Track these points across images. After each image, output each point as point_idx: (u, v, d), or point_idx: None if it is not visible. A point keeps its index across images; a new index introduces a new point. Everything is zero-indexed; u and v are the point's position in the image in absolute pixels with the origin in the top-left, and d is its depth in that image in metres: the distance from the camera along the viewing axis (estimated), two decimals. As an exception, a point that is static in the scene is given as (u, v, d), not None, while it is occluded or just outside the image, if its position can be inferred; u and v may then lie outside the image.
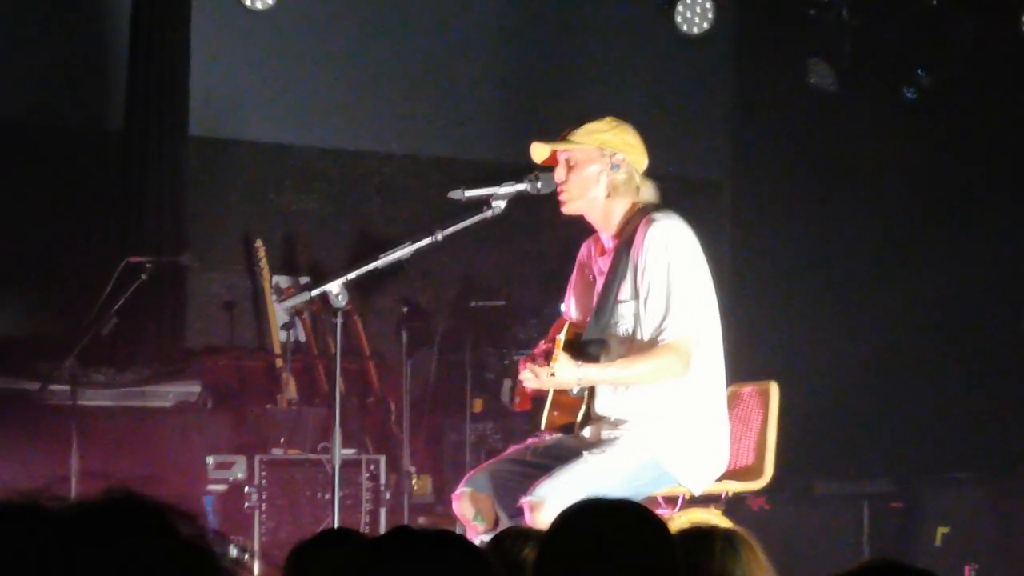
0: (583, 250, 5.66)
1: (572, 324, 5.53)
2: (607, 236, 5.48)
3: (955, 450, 8.60)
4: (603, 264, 5.46)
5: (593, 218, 5.49)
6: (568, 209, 5.47)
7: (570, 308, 5.66)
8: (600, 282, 5.44)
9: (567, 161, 5.44)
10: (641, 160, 5.48)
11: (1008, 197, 8.59)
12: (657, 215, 5.34)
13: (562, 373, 5.15)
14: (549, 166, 5.50)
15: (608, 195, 5.42)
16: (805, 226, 9.28)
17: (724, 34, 9.43)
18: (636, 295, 5.30)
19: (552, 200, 5.49)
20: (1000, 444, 8.36)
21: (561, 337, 5.27)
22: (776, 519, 7.74)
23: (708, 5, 9.21)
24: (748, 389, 5.85)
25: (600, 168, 5.42)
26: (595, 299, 5.43)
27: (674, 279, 5.25)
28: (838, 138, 9.25)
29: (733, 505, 5.78)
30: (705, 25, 9.05)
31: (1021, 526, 7.70)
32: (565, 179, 5.43)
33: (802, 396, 6.39)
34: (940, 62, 8.88)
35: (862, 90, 9.11)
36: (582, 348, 5.33)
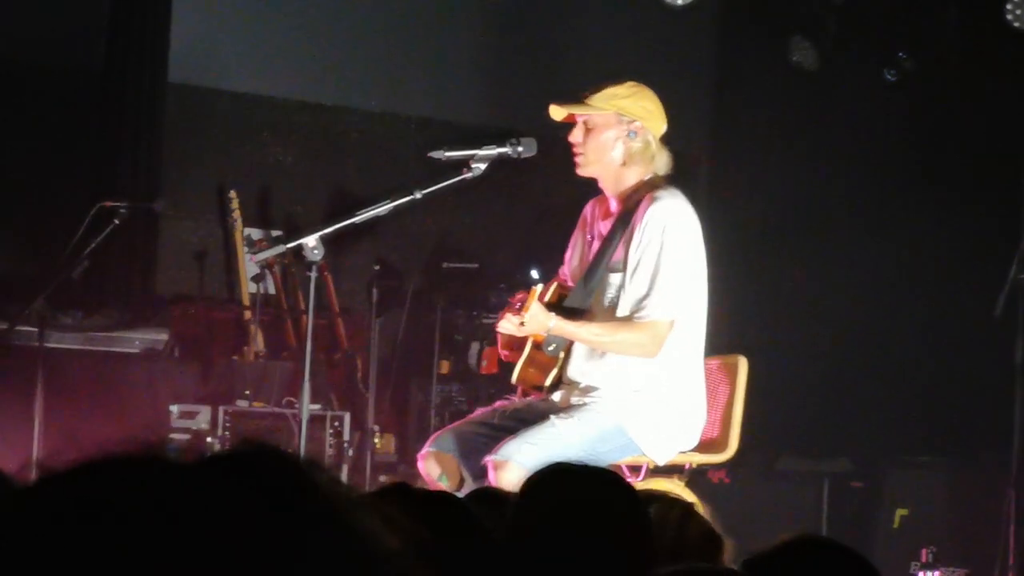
0: (587, 208, 5.65)
1: (560, 285, 5.55)
2: (614, 201, 5.48)
3: (918, 433, 8.64)
4: (603, 227, 5.47)
5: (605, 183, 5.49)
6: (583, 171, 5.47)
7: (568, 264, 5.67)
8: (596, 245, 5.45)
9: (585, 123, 5.44)
10: (659, 127, 5.48)
11: (982, 182, 8.60)
12: (662, 193, 5.34)
13: (532, 321, 5.17)
14: (565, 124, 5.47)
15: (623, 163, 5.42)
16: (780, 202, 9.29)
17: (708, 6, 9.40)
18: (625, 267, 5.31)
19: (530, 166, 5.49)
20: (963, 429, 8.39)
21: (538, 288, 5.27)
22: (737, 493, 7.78)
23: (694, -24, 9.17)
24: (716, 362, 5.87)
25: (617, 135, 5.42)
26: (588, 260, 5.44)
27: (664, 261, 5.26)
28: (817, 116, 9.26)
29: (695, 477, 5.81)
30: (690, -4, 9.00)
31: (980, 511, 7.72)
32: (582, 142, 5.42)
33: (770, 372, 6.41)
34: (922, 46, 8.88)
35: (843, 70, 9.11)
36: (565, 310, 5.34)
